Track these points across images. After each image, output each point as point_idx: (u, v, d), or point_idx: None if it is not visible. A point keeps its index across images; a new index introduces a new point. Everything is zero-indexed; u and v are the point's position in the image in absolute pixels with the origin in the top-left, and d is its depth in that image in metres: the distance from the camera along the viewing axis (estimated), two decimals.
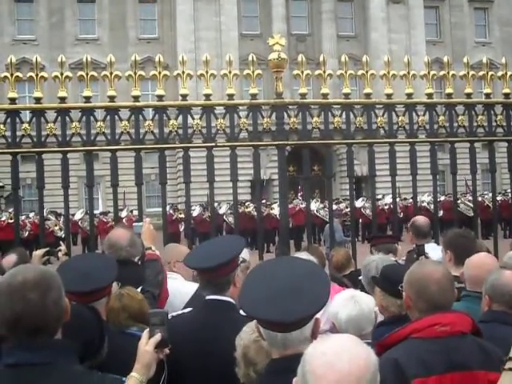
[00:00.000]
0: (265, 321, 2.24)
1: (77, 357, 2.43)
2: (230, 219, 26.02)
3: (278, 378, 2.14)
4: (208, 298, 3.30)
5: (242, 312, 3.24)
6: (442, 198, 26.33)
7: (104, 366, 2.73)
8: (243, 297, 2.36)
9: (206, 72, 6.59)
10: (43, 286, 2.33)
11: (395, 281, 3.71)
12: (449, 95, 7.38)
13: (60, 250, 5.57)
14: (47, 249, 5.37)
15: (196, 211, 26.40)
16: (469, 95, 7.39)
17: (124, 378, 2.67)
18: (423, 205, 24.76)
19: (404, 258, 6.07)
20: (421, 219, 6.48)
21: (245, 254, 4.77)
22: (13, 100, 6.31)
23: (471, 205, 22.16)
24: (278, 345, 2.26)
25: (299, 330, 2.23)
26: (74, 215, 26.20)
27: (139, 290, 3.85)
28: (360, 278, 5.28)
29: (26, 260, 4.96)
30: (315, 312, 2.24)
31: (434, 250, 5.81)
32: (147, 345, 2.71)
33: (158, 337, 2.73)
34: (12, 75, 6.22)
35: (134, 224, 5.30)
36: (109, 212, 26.53)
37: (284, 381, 1.91)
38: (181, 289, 4.48)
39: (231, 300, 3.29)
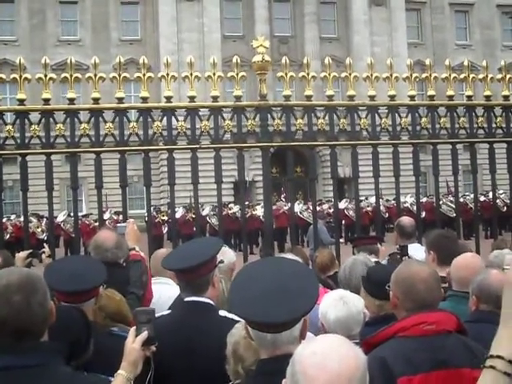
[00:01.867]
0: (256, 322, 2.24)
1: (64, 358, 2.44)
2: (214, 221, 26.02)
3: (268, 378, 2.14)
4: (186, 299, 3.30)
5: (220, 313, 3.27)
6: (424, 200, 26.49)
7: (88, 366, 2.74)
8: (233, 298, 2.36)
9: (191, 74, 6.60)
10: (28, 289, 2.33)
11: (375, 281, 3.77)
12: (431, 97, 7.45)
13: (44, 252, 5.55)
14: (30, 251, 5.35)
15: (179, 213, 26.30)
16: (451, 97, 7.47)
17: (111, 378, 2.68)
18: (405, 206, 24.90)
19: (386, 260, 6.12)
20: (406, 220, 6.56)
21: (231, 255, 4.78)
22: None
23: (453, 206, 22.36)
24: (268, 345, 2.26)
25: (289, 330, 2.23)
26: (56, 217, 26.03)
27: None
28: None
29: (10, 262, 4.94)
30: (306, 312, 2.24)
31: (417, 251, 5.87)
32: (134, 342, 2.71)
33: (144, 335, 2.74)
34: None
35: (117, 225, 5.30)
36: (91, 214, 26.41)
37: (274, 382, 1.92)
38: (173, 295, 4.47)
39: (210, 301, 3.30)
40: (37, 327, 2.33)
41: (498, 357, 1.77)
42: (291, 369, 1.77)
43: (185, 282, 3.30)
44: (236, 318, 3.18)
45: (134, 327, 2.79)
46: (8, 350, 2.31)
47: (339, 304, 3.57)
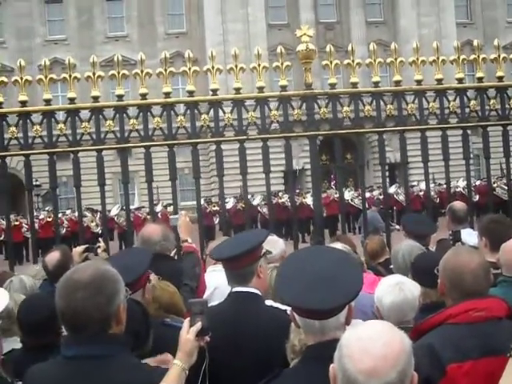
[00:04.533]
0: (304, 309, 2.31)
1: (130, 349, 2.54)
2: (265, 210, 26.13)
3: (317, 363, 2.20)
4: (233, 290, 3.36)
5: (267, 302, 3.32)
6: (478, 183, 26.02)
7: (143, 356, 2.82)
8: (280, 286, 2.42)
9: (236, 66, 6.65)
10: (92, 290, 2.43)
11: (421, 268, 3.82)
12: (479, 79, 7.30)
13: (99, 247, 5.69)
14: (87, 245, 5.49)
15: (230, 203, 26.53)
16: (500, 78, 7.31)
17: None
18: (458, 190, 24.49)
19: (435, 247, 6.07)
20: (458, 204, 6.49)
21: (282, 245, 4.81)
22: (48, 101, 6.46)
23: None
24: (316, 332, 2.33)
25: (336, 316, 2.29)
26: (109, 211, 26.51)
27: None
28: (391, 266, 5.34)
29: (69, 256, 5.08)
30: (352, 299, 2.31)
31: (470, 236, 5.81)
32: (189, 333, 2.78)
33: (198, 325, 2.80)
34: (46, 77, 6.37)
35: (170, 217, 5.39)
36: (143, 207, 26.82)
37: (322, 366, 1.98)
38: None
39: (256, 291, 3.34)
40: (91, 325, 2.43)
41: None
42: (338, 353, 1.84)
43: (230, 272, 3.38)
44: (282, 307, 3.24)
45: (189, 318, 2.86)
46: (75, 340, 2.45)
47: (395, 289, 3.59)
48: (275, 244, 4.68)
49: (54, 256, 5.08)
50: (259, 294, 3.34)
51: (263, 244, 3.45)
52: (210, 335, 2.82)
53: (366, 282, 4.59)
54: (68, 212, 27.78)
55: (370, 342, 1.80)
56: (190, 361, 2.73)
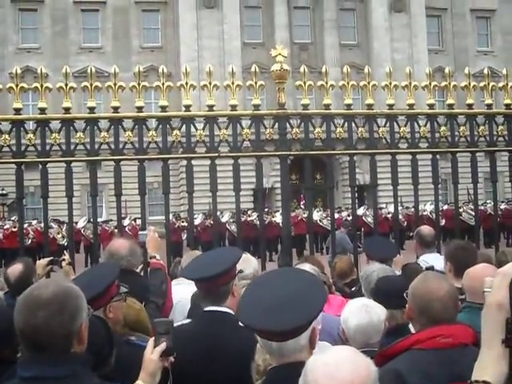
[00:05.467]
0: (260, 330, 2.30)
1: (91, 368, 2.46)
2: (233, 227, 26.07)
3: None
4: (206, 309, 3.32)
5: (240, 322, 3.29)
6: (445, 207, 26.31)
7: (106, 374, 2.76)
8: (241, 308, 2.43)
9: (209, 83, 6.64)
10: (54, 307, 2.33)
11: (384, 292, 3.87)
12: (450, 106, 7.42)
13: (64, 260, 5.60)
14: (51, 258, 5.40)
15: (198, 219, 26.42)
16: (470, 106, 7.43)
17: None
18: (425, 214, 24.72)
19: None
20: (425, 229, 6.56)
21: (255, 263, 4.78)
22: (18, 110, 6.37)
23: (473, 213, 22.13)
24: (274, 353, 2.32)
25: (295, 338, 2.28)
26: (76, 223, 26.20)
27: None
28: (353, 288, 5.34)
29: (31, 269, 4.98)
30: (308, 321, 2.29)
31: (436, 260, 5.85)
32: (152, 353, 2.74)
33: (163, 346, 2.76)
34: (17, 86, 6.28)
35: (139, 233, 5.35)
36: (111, 220, 26.56)
37: None
38: None
39: (229, 311, 3.32)
40: (54, 343, 2.33)
41: (484, 382, 1.72)
42: (303, 379, 1.82)
43: (204, 292, 3.33)
44: None
45: (153, 338, 2.82)
46: (35, 361, 2.33)
47: (361, 312, 3.61)
48: (248, 262, 4.64)
49: (16, 268, 4.99)
50: (232, 313, 3.31)
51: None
52: (178, 355, 2.78)
53: (333, 304, 4.62)
54: (34, 222, 27.35)
55: (336, 367, 1.78)
56: (153, 382, 2.69)
